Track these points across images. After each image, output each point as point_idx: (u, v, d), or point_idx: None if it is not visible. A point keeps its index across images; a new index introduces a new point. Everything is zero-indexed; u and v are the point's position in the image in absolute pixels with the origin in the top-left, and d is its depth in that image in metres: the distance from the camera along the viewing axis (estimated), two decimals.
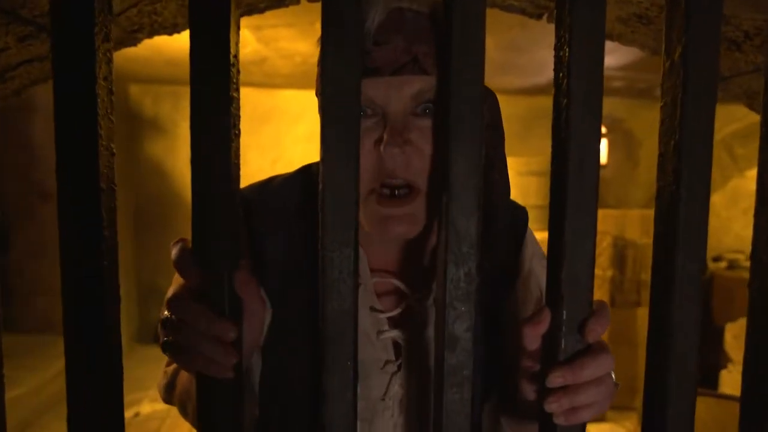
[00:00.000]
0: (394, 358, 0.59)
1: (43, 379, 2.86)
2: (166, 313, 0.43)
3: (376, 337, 0.58)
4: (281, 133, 4.32)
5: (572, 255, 0.43)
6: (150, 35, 0.82)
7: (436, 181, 0.51)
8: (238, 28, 0.44)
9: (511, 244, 0.63)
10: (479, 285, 0.43)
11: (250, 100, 4.18)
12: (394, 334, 0.58)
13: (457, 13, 0.41)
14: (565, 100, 0.43)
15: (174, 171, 4.20)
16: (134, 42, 0.82)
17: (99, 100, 0.42)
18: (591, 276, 0.44)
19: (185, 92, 0.44)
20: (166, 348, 0.43)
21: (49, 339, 2.91)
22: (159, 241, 3.93)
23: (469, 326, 0.43)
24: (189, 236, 0.43)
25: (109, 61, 0.44)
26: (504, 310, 0.61)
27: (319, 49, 0.44)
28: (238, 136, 0.44)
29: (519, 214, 0.66)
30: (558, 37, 0.44)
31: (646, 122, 4.26)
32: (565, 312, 0.43)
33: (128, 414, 2.83)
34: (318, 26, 0.42)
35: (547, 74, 3.41)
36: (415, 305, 0.59)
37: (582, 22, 0.42)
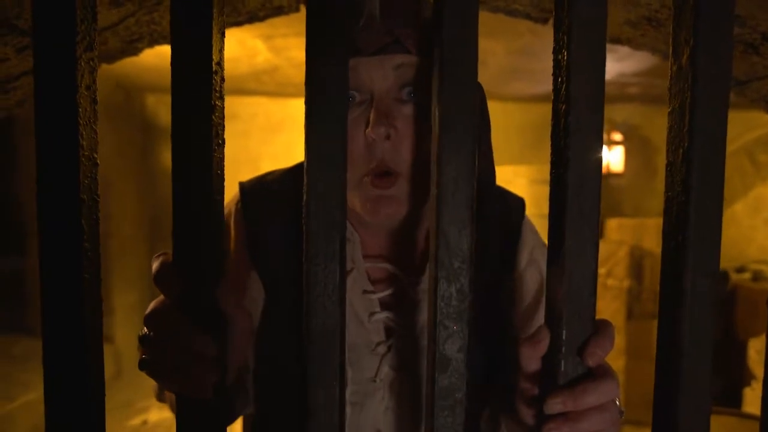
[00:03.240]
0: (384, 339, 0.59)
1: None
2: (144, 329, 0.41)
3: (368, 319, 0.59)
4: (294, 142, 4.34)
5: (572, 268, 0.41)
6: (150, 45, 0.82)
7: (418, 166, 0.53)
8: (223, 34, 0.43)
9: (505, 236, 0.63)
10: (472, 301, 0.40)
11: (263, 109, 4.20)
12: (385, 315, 0.59)
13: (447, 7, 0.39)
14: (564, 106, 0.40)
15: None
16: (135, 52, 0.82)
17: (80, 109, 0.41)
18: (593, 292, 0.41)
19: None
20: (143, 366, 0.41)
21: None
22: None
23: (461, 346, 0.40)
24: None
25: (93, 70, 0.43)
26: (498, 305, 0.61)
27: None
28: (221, 146, 0.43)
29: (513, 203, 0.65)
30: (556, 40, 0.41)
31: (664, 129, 4.16)
32: (564, 332, 0.41)
33: (136, 422, 2.84)
34: None
35: None
36: (408, 289, 0.60)
37: (582, 23, 0.39)
